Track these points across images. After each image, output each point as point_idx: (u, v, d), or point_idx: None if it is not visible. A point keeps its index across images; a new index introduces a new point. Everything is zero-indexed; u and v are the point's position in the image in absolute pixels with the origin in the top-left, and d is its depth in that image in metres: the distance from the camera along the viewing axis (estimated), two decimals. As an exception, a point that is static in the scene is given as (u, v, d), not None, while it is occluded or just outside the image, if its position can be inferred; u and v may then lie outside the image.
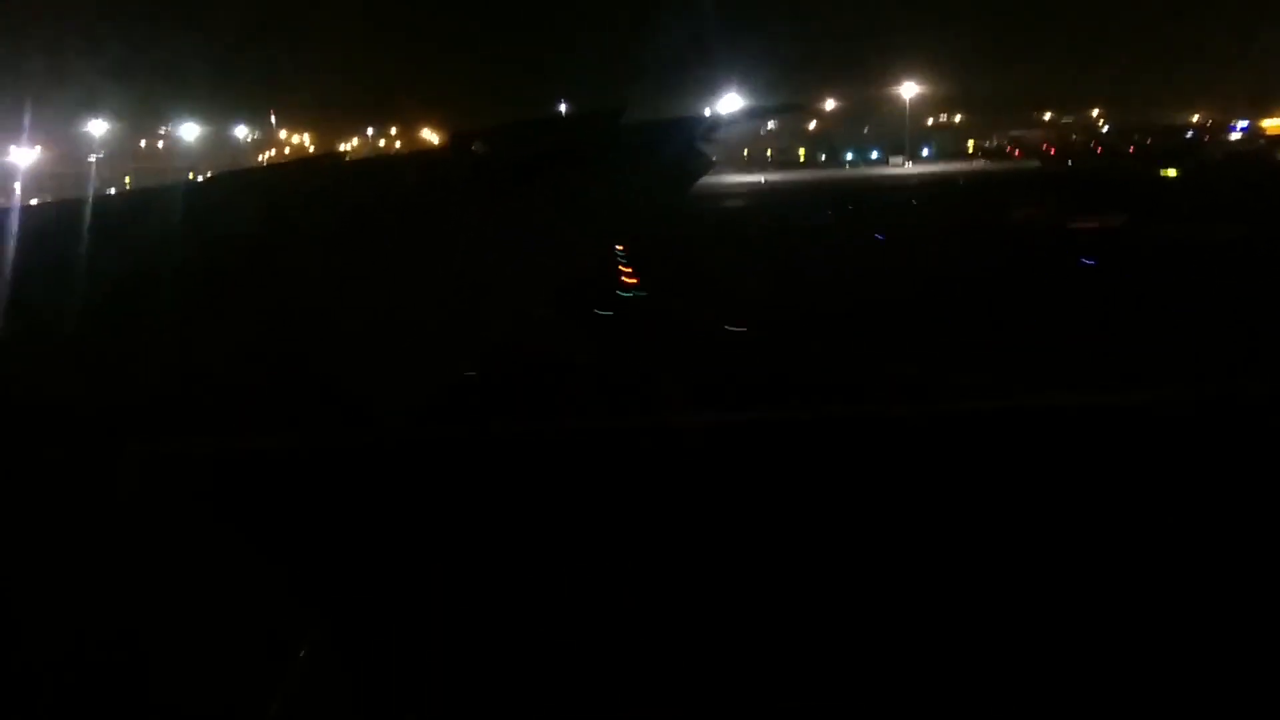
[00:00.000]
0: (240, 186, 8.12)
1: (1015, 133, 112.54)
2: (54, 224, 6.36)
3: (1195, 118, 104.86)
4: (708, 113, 48.19)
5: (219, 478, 6.94)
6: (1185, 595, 6.78)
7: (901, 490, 8.69)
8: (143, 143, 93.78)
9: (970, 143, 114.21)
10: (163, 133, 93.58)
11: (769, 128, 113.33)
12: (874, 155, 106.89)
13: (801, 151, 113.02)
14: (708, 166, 19.66)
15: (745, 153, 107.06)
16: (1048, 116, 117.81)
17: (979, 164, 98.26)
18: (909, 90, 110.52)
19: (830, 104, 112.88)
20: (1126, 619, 6.62)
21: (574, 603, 6.95)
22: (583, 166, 10.91)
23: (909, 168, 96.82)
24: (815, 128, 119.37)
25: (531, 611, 6.87)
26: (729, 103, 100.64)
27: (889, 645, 6.45)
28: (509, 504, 8.60)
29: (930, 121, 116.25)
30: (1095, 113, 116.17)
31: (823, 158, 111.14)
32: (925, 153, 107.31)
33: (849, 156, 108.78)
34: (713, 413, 11.97)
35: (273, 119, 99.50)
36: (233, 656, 4.35)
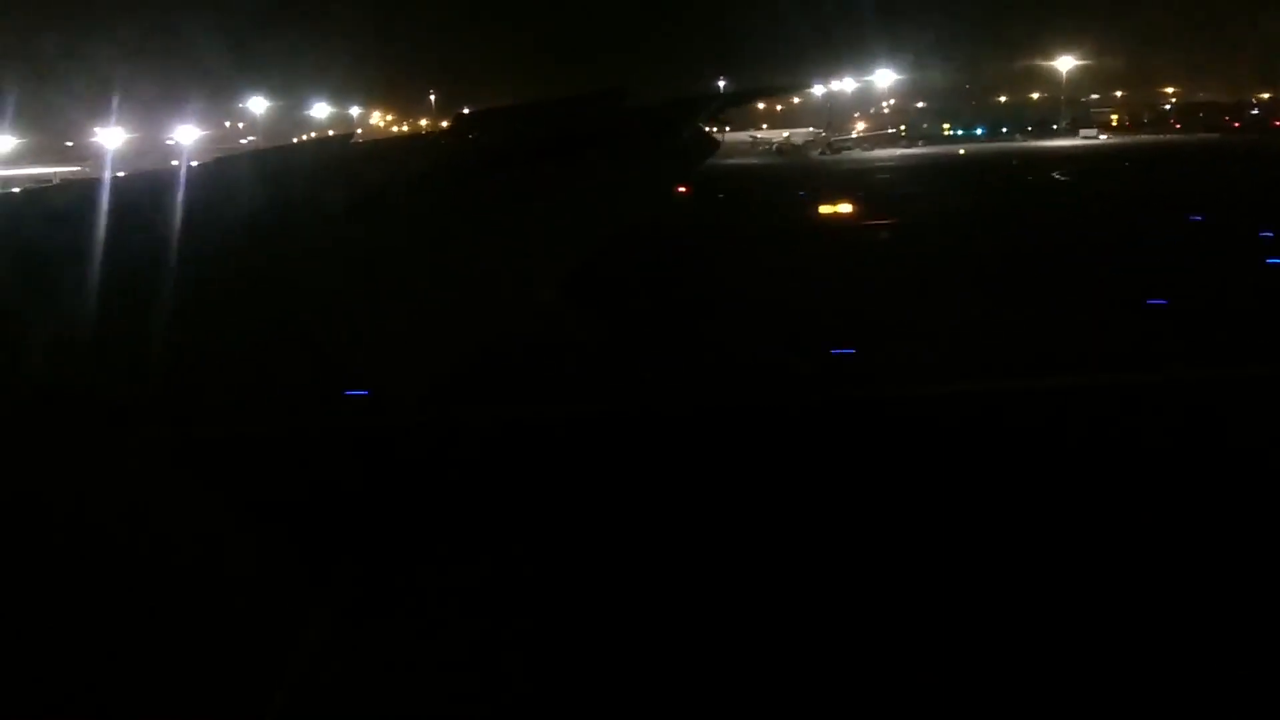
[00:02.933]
0: (241, 171, 8.15)
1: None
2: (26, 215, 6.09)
3: (1266, 95, 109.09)
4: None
5: (228, 461, 7.16)
6: None
7: None
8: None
9: (1114, 118, 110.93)
10: (310, 114, 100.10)
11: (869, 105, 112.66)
12: (1003, 130, 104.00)
13: (945, 127, 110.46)
14: (714, 148, 20.86)
15: (861, 127, 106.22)
16: (1119, 94, 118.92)
17: (1108, 138, 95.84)
18: (1065, 64, 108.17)
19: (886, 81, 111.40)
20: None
21: (576, 591, 6.94)
22: (584, 150, 11.37)
23: (1102, 139, 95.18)
24: (927, 105, 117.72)
25: (539, 600, 6.90)
26: (881, 77, 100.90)
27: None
28: (515, 487, 8.80)
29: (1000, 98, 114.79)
30: (1170, 90, 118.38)
31: (956, 132, 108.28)
32: (1055, 128, 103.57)
33: (978, 131, 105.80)
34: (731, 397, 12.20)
35: (431, 98, 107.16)
36: (243, 636, 4.27)
